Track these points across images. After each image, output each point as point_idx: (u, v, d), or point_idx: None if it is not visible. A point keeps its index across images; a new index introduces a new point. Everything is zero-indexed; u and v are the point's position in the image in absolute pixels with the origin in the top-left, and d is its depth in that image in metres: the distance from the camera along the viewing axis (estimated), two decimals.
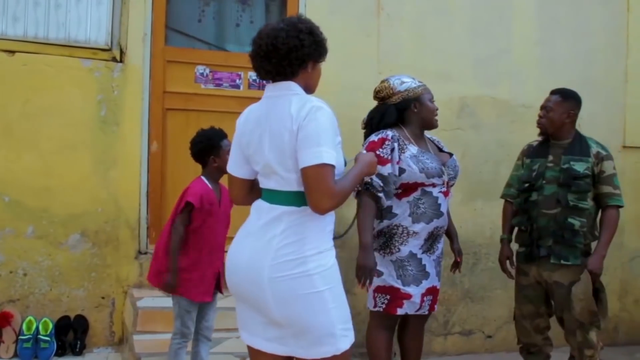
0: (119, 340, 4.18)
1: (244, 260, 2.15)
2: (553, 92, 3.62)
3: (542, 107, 3.59)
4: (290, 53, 2.13)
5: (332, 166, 2.05)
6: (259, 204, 2.22)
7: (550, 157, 3.51)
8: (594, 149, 3.49)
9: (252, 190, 2.31)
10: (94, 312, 4.12)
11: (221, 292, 3.37)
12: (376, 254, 3.12)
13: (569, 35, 5.02)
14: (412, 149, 3.15)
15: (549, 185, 3.45)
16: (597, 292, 3.42)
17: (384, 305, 3.16)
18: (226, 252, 3.41)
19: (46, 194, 4.02)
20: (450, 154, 3.38)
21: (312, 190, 2.04)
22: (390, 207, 3.13)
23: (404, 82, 3.24)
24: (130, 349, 3.72)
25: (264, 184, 2.22)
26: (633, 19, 5.15)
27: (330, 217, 2.19)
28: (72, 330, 4.06)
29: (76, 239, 4.08)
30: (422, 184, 3.12)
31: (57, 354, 3.97)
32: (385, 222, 3.14)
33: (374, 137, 3.15)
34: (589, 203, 3.43)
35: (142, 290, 4.07)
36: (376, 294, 3.17)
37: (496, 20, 4.85)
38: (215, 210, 3.26)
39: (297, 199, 2.12)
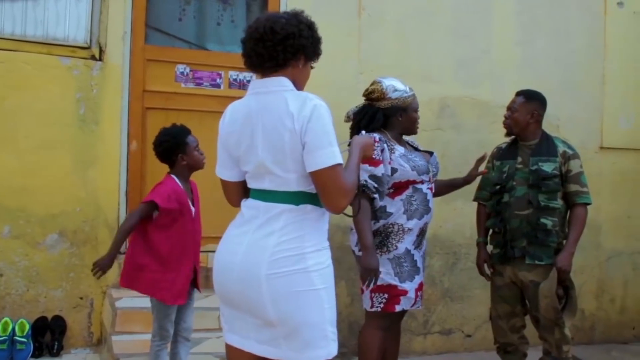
0: (97, 341, 4.14)
1: (237, 259, 2.08)
2: (518, 94, 3.68)
3: (508, 108, 3.66)
4: (287, 39, 2.08)
5: (342, 165, 2.04)
6: (254, 203, 2.14)
7: (519, 159, 3.56)
8: (561, 149, 3.55)
9: (247, 191, 2.23)
10: (72, 312, 4.08)
11: (199, 290, 3.33)
12: None
13: (548, 37, 5.07)
14: (400, 149, 3.24)
15: (520, 187, 3.50)
16: (567, 289, 3.48)
17: (381, 305, 3.18)
18: (205, 251, 3.41)
19: (23, 194, 3.97)
20: (431, 153, 3.46)
21: (329, 191, 2.01)
22: (385, 207, 3.18)
23: (397, 89, 3.27)
24: (108, 349, 3.69)
25: (255, 184, 2.15)
26: (610, 22, 5.22)
27: (327, 217, 2.16)
28: (49, 331, 4.02)
29: (54, 239, 4.03)
30: (414, 182, 3.20)
31: (34, 356, 3.92)
32: (381, 222, 3.18)
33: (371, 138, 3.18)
34: (559, 202, 3.48)
35: (121, 290, 4.02)
36: (373, 294, 3.19)
37: (477, 21, 4.88)
38: (187, 210, 3.19)
39: (295, 198, 2.08)
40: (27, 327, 3.90)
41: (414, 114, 3.34)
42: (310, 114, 2.01)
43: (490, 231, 3.70)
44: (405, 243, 3.20)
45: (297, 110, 2.02)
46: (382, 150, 3.15)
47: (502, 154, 3.68)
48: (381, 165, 3.11)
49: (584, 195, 3.51)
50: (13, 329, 3.86)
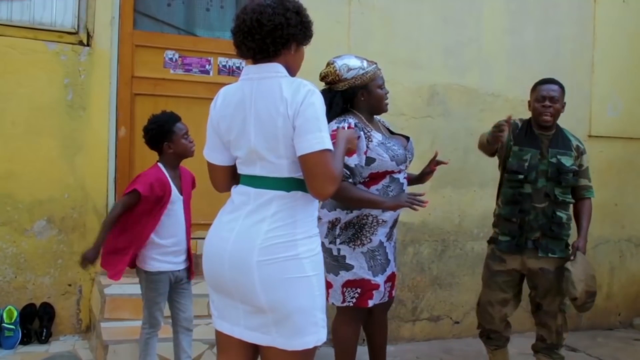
0: (86, 328, 4.14)
1: (228, 246, 2.06)
2: (551, 82, 3.53)
3: (547, 98, 3.46)
4: (275, 31, 2.06)
5: (332, 151, 2.03)
6: (244, 189, 2.12)
7: (540, 149, 3.46)
8: (574, 142, 3.53)
9: (234, 176, 2.22)
10: (61, 299, 4.07)
11: (190, 278, 3.30)
12: (345, 246, 3.05)
13: (537, 24, 5.07)
14: (377, 136, 3.07)
15: (540, 179, 3.43)
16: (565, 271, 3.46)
17: (354, 300, 3.07)
18: (195, 238, 3.39)
19: (11, 180, 3.94)
20: (407, 137, 3.31)
21: (316, 177, 1.99)
22: None
23: (351, 68, 3.03)
24: (97, 336, 3.68)
25: (246, 170, 2.13)
26: (599, 10, 5.23)
27: (316, 204, 2.15)
28: (37, 318, 4.01)
29: (42, 226, 4.01)
30: (392, 172, 3.07)
31: (22, 342, 3.92)
32: (355, 213, 3.05)
33: (335, 125, 2.97)
34: (571, 196, 3.49)
35: None
36: (345, 289, 3.07)
37: (466, 9, 4.87)
38: (170, 197, 3.14)
39: (286, 184, 2.06)
40: (15, 314, 3.88)
41: (377, 91, 3.09)
42: (303, 99, 2.00)
43: (497, 218, 3.58)
44: (379, 235, 3.09)
45: (290, 96, 2.01)
46: (358, 138, 2.93)
47: (521, 139, 3.48)
48: (355, 156, 2.93)
49: (591, 190, 3.56)
50: (1, 316, 3.85)
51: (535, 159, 3.43)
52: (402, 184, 3.14)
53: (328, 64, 3.09)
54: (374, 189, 3.05)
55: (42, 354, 3.82)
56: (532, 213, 3.43)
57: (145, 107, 4.21)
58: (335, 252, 3.08)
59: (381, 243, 3.11)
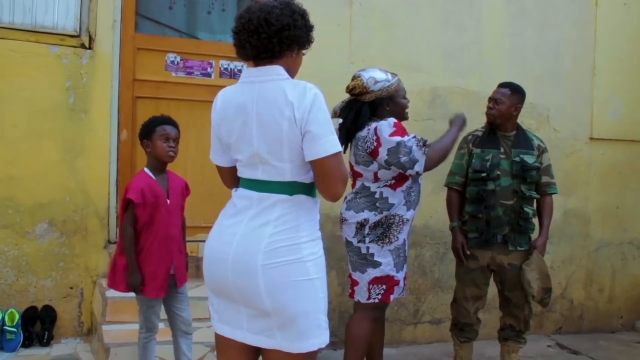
0: (87, 331, 4.14)
1: (232, 249, 2.06)
2: (503, 85, 3.82)
3: (491, 99, 3.77)
4: (283, 31, 2.06)
5: (341, 152, 2.06)
6: (246, 193, 2.12)
7: (502, 149, 3.70)
8: (535, 142, 3.77)
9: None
10: (62, 302, 4.07)
11: (178, 286, 3.23)
12: (374, 245, 3.19)
13: (538, 27, 5.08)
14: None
15: (504, 177, 3.64)
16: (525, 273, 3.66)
17: (379, 296, 3.21)
18: (196, 241, 3.39)
19: (12, 183, 3.94)
20: None
21: (332, 179, 2.02)
22: (387, 198, 3.19)
23: (378, 80, 3.20)
24: (99, 339, 3.68)
25: (247, 173, 2.13)
26: (601, 13, 5.24)
27: (318, 207, 2.15)
28: (39, 321, 4.01)
29: (43, 229, 4.01)
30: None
31: (24, 345, 3.92)
32: (384, 213, 3.18)
33: (393, 120, 3.16)
34: (535, 192, 3.71)
35: None
36: (371, 286, 3.20)
37: (467, 12, 4.88)
38: (162, 202, 3.10)
39: (289, 188, 2.06)
40: (17, 316, 3.88)
41: (401, 100, 3.32)
42: (312, 104, 2.00)
43: (466, 216, 3.77)
44: (403, 234, 3.25)
45: (297, 100, 2.00)
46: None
47: (482, 142, 3.76)
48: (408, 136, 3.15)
49: (553, 186, 3.79)
50: (3, 318, 3.85)
51: (497, 158, 3.67)
52: (420, 184, 3.32)
53: (354, 77, 3.25)
54: (399, 190, 3.21)
55: (43, 357, 3.82)
56: (499, 209, 3.63)
57: (147, 110, 4.21)
58: (364, 250, 3.21)
59: (404, 241, 3.28)
